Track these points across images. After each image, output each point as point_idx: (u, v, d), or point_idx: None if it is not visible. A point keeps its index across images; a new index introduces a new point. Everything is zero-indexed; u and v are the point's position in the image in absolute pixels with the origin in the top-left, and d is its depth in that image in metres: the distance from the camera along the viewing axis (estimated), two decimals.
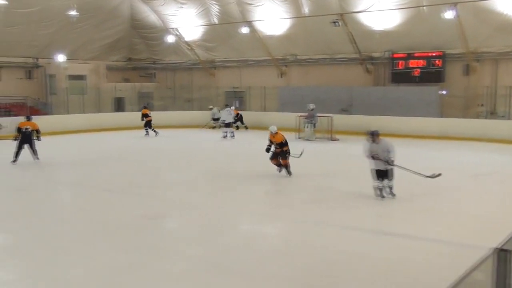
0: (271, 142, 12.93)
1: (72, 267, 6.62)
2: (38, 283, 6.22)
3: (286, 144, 12.81)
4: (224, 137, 21.82)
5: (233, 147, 19.71)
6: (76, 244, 7.59)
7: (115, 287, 6.03)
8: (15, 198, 10.99)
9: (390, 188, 10.11)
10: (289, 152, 12.85)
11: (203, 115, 26.72)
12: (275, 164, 12.99)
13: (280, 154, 12.84)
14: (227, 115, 22.58)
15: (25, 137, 15.14)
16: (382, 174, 10.00)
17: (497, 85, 21.77)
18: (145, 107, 23.65)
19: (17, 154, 14.98)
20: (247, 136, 22.77)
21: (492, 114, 21.63)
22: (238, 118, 25.03)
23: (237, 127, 24.79)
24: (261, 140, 21.28)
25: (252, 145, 19.95)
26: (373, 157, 9.95)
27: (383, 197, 10.02)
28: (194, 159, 16.79)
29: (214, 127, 25.57)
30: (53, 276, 6.39)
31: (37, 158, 15.32)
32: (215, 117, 25.73)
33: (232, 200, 10.62)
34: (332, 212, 9.45)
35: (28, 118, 15.94)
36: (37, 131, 15.43)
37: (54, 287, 6.06)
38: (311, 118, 20.98)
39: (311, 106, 21.05)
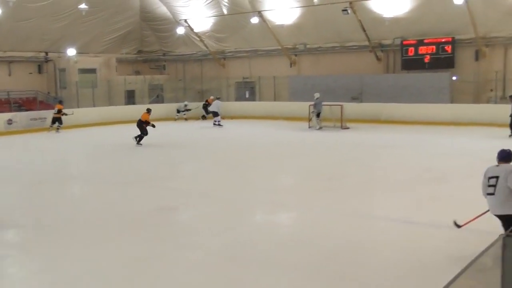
0: None
1: (88, 260, 6.74)
2: (54, 277, 6.30)
3: None
4: (215, 125, 23.10)
5: (236, 137, 19.82)
6: (92, 238, 7.73)
7: (132, 278, 6.16)
8: (32, 192, 11.19)
9: None
10: None
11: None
12: None
13: None
14: (215, 107, 23.65)
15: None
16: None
17: (507, 70, 21.69)
18: (60, 102, 22.74)
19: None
20: (246, 125, 22.90)
21: (503, 99, 21.51)
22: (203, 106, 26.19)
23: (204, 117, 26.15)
24: (259, 128, 21.45)
25: (261, 134, 20.14)
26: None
27: None
28: (205, 149, 16.95)
29: (184, 119, 26.49)
30: (69, 269, 6.46)
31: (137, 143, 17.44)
32: (181, 109, 26.83)
33: (245, 190, 10.75)
34: (345, 200, 9.55)
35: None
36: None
37: (70, 280, 6.14)
38: (314, 107, 21.07)
39: (316, 95, 21.16)
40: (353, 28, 23.85)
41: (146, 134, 17.50)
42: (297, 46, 27.10)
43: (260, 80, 28.21)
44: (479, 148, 15.17)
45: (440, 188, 10.23)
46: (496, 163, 6.19)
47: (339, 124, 20.95)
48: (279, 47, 26.92)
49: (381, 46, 24.68)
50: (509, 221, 5.96)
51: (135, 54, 32.17)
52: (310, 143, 17.71)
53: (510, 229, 5.89)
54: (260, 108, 26.89)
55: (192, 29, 29.19)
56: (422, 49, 22.94)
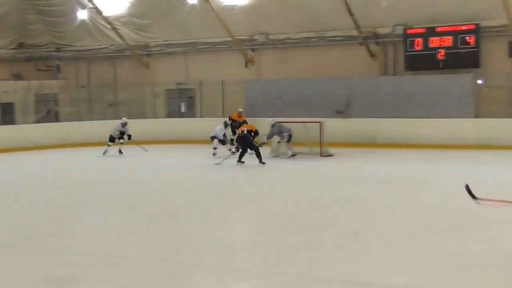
0: None
1: None
2: None
3: None
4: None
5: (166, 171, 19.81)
6: None
7: None
8: None
9: None
10: None
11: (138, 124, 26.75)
12: None
13: None
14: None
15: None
16: None
17: None
18: None
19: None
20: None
21: None
22: None
23: None
24: (201, 157, 21.45)
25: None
26: None
27: None
28: (120, 190, 16.82)
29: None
30: None
31: (262, 163, 19.29)
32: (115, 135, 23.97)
33: (181, 250, 10.71)
34: (327, 262, 9.60)
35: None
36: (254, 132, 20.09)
37: None
38: (277, 134, 21.10)
39: (271, 121, 21.25)
40: (336, 11, 24.32)
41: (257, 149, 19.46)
42: (255, 37, 27.38)
43: (202, 87, 28.28)
44: None
45: (462, 239, 10.40)
46: None
47: (317, 150, 21.19)
48: (229, 39, 27.12)
49: (376, 36, 25.22)
50: None
51: (13, 48, 31.79)
52: (278, 178, 17.84)
53: None
54: (201, 128, 26.85)
55: (100, 13, 29.09)
56: (434, 41, 23.48)
